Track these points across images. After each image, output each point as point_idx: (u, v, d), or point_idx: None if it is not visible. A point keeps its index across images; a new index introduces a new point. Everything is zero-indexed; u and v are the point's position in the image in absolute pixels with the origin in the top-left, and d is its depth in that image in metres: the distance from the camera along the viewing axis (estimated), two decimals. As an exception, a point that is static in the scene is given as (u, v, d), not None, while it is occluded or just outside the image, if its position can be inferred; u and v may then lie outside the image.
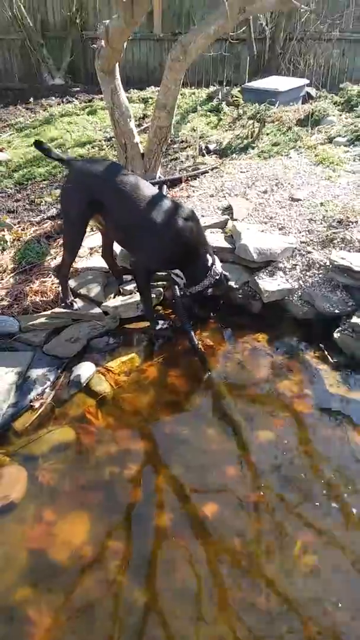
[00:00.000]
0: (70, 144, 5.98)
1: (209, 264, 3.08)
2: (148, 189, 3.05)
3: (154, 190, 3.10)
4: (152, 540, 2.13)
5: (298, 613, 1.87)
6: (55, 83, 8.70)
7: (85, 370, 2.89)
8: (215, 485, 2.35)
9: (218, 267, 3.14)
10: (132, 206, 2.95)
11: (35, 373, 2.85)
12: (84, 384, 2.84)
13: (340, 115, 5.39)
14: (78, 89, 8.52)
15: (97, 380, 2.89)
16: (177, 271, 3.25)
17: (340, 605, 1.87)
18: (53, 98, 7.93)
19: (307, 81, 6.58)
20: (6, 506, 2.18)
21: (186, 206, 3.13)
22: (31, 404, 2.69)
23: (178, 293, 3.37)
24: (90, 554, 2.06)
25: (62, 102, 7.88)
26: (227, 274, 3.26)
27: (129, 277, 3.56)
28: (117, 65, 4.19)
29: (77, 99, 8.00)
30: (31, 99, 7.95)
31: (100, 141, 5.88)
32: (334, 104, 5.65)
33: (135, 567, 2.03)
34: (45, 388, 2.79)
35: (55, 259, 3.77)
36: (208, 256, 3.09)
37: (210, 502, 2.27)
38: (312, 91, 6.52)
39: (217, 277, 3.10)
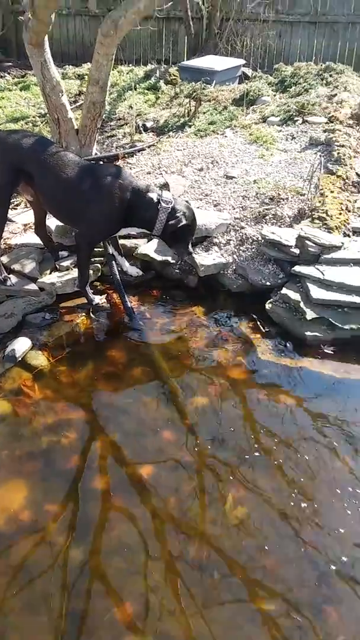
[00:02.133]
0: (2, 120, 5.84)
1: (155, 200, 3.02)
2: (73, 158, 3.10)
3: (79, 159, 3.16)
4: (90, 503, 2.22)
5: (228, 561, 2.02)
6: (-13, 56, 8.42)
7: (20, 344, 2.91)
8: (152, 449, 2.46)
9: (167, 195, 3.08)
10: (62, 176, 2.99)
11: (-31, 348, 2.85)
12: (20, 359, 2.86)
13: (275, 95, 5.58)
14: (10, 64, 8.28)
15: (34, 355, 2.93)
16: (132, 231, 3.28)
17: (267, 549, 2.04)
18: (-16, 72, 7.67)
19: (244, 61, 6.72)
20: None
21: (112, 165, 3.17)
22: (-36, 378, 2.70)
23: (115, 269, 3.43)
24: (28, 519, 2.13)
25: (-5, 76, 7.65)
26: (185, 202, 3.21)
27: (65, 253, 3.58)
28: (45, 38, 4.14)
29: (9, 74, 7.78)
30: None
31: (34, 117, 5.78)
32: (269, 84, 5.83)
33: (74, 527, 2.11)
34: (-20, 363, 2.80)
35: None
36: (149, 194, 3.04)
37: (147, 465, 2.38)
38: (248, 71, 6.67)
39: (171, 205, 3.02)
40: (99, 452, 2.47)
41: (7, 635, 1.80)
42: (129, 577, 1.96)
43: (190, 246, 3.20)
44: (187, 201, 3.24)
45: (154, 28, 7.67)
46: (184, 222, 3.02)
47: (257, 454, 2.42)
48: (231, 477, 2.32)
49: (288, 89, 5.51)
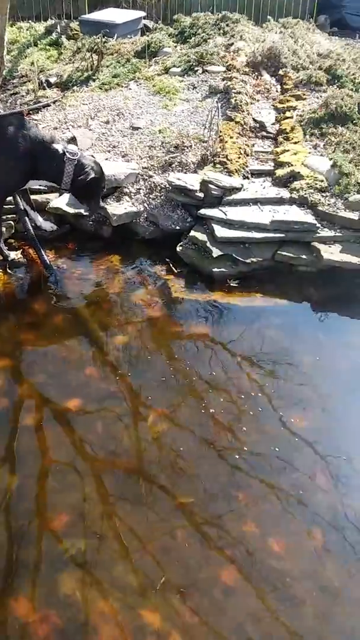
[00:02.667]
0: None
1: (60, 152, 3.05)
2: None
3: None
4: (23, 436, 2.37)
5: (150, 468, 2.25)
6: None
7: None
8: (77, 384, 2.63)
9: (72, 148, 3.12)
10: None
11: None
12: None
13: (176, 46, 5.60)
14: None
15: None
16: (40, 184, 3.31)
17: (182, 450, 2.29)
18: None
19: (144, 13, 6.63)
20: None
21: (12, 115, 3.18)
22: None
23: (29, 224, 3.47)
24: None
25: None
26: (91, 155, 3.27)
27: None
28: None
29: None
30: None
31: None
32: (169, 35, 5.83)
33: (10, 458, 2.27)
34: None
35: None
36: (55, 145, 3.06)
37: (73, 398, 2.55)
38: (150, 24, 6.60)
39: (77, 157, 3.06)
40: (26, 393, 2.61)
41: None
42: (63, 494, 2.16)
43: (100, 200, 3.29)
44: (92, 156, 3.30)
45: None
46: (92, 175, 3.09)
47: (171, 377, 2.65)
48: (150, 400, 2.54)
49: (188, 40, 5.55)
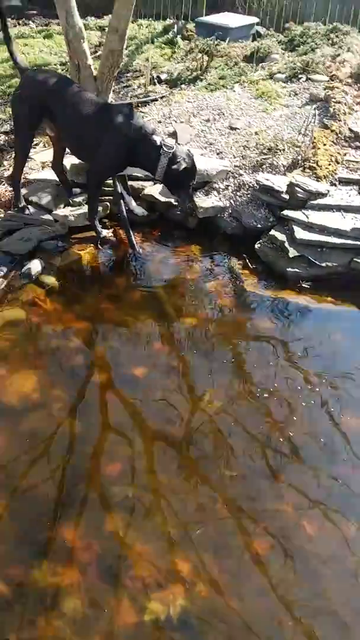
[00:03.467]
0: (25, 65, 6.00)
1: (157, 144, 3.21)
2: (91, 97, 3.40)
3: (97, 98, 3.42)
4: (90, 390, 2.61)
5: (200, 438, 2.40)
6: (12, 4, 8.44)
7: (35, 265, 3.25)
8: (144, 355, 2.83)
9: (169, 141, 3.30)
10: (81, 112, 3.25)
11: (-9, 264, 3.19)
12: (34, 277, 3.20)
13: (284, 53, 5.67)
14: (35, 12, 8.31)
15: (46, 276, 3.26)
16: (135, 171, 3.53)
17: (233, 428, 2.41)
18: (9, 20, 7.73)
19: (257, 20, 6.74)
20: None
21: (123, 104, 3.41)
22: (-14, 289, 3.05)
23: (123, 207, 3.71)
24: (37, 399, 2.51)
25: (19, 24, 7.73)
26: (187, 150, 3.38)
27: (78, 190, 3.86)
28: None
29: (33, 22, 7.86)
30: (-16, 19, 7.73)
31: (55, 64, 5.94)
32: (279, 42, 5.91)
33: (75, 408, 2.51)
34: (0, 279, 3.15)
35: (8, 170, 4.01)
36: (154, 137, 3.24)
37: (140, 367, 2.74)
38: (262, 30, 6.70)
39: (172, 151, 3.20)
40: (98, 354, 2.84)
41: (17, 483, 2.20)
42: (119, 446, 2.35)
43: (191, 192, 3.44)
44: (188, 150, 3.45)
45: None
46: (183, 165, 3.24)
47: (233, 362, 2.78)
48: (209, 379, 2.68)
49: (296, 48, 5.59)
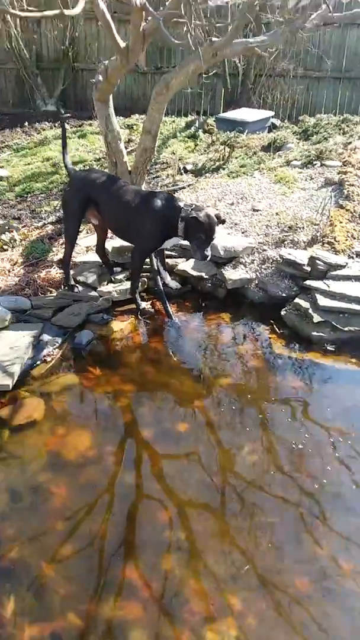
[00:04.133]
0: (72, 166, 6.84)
1: (180, 205, 3.71)
2: (132, 187, 3.98)
3: (137, 187, 4.00)
4: (138, 446, 2.92)
5: (245, 486, 2.67)
6: (48, 109, 9.62)
7: (84, 336, 3.69)
8: (186, 413, 3.16)
9: (188, 203, 3.82)
10: (123, 200, 3.82)
11: (46, 337, 3.64)
12: (84, 346, 3.63)
13: (298, 142, 6.40)
14: (69, 115, 9.43)
15: (95, 343, 3.69)
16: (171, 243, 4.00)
17: (272, 477, 2.68)
18: (46, 123, 8.84)
19: (272, 113, 7.62)
20: (30, 423, 2.96)
21: (161, 191, 3.95)
22: (44, 358, 3.48)
23: (159, 281, 4.20)
24: (92, 455, 2.83)
25: (55, 126, 8.79)
26: (212, 213, 3.71)
27: (119, 269, 4.39)
28: (110, 96, 5.10)
29: (68, 123, 8.92)
30: (26, 123, 8.84)
31: (91, 161, 6.76)
32: (294, 133, 6.67)
33: (126, 461, 2.82)
34: (55, 348, 3.58)
35: (57, 255, 4.59)
36: (178, 203, 3.75)
37: (182, 423, 3.07)
38: (277, 122, 7.55)
39: (190, 209, 3.65)
40: (145, 412, 3.18)
41: (81, 529, 2.48)
42: (168, 494, 2.64)
43: (209, 248, 3.74)
44: (207, 212, 3.71)
45: (199, 90, 8.72)
46: (193, 214, 3.60)
47: (268, 417, 3.09)
48: (247, 432, 2.98)
49: (310, 138, 6.32)
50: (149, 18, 4.15)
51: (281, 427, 3.04)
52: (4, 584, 2.20)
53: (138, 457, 2.87)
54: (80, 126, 8.68)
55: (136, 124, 8.09)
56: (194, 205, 3.77)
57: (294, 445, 2.88)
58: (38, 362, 3.44)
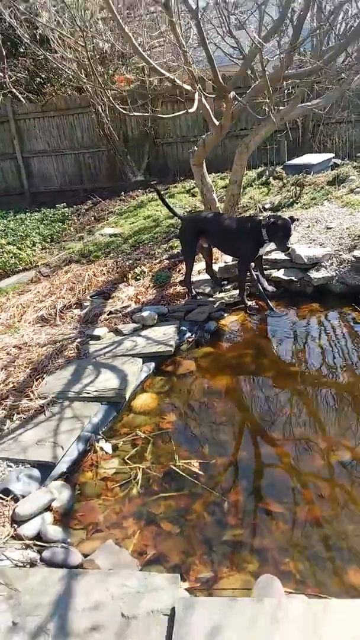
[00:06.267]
0: (162, 218, 8.87)
1: (262, 220, 5.35)
2: (231, 218, 5.74)
3: (234, 217, 5.76)
4: (261, 382, 4.46)
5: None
6: (137, 179, 11.97)
7: (211, 325, 5.35)
8: (295, 359, 4.66)
9: (277, 220, 5.33)
10: (226, 227, 5.57)
11: (184, 327, 5.33)
12: (212, 331, 5.29)
13: (359, 174, 8.03)
14: (155, 182, 11.71)
15: (218, 330, 5.34)
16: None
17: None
18: (139, 190, 11.12)
19: (333, 155, 9.36)
20: (189, 372, 4.60)
21: (250, 218, 5.66)
22: (187, 339, 5.15)
23: (259, 286, 5.83)
24: (231, 387, 4.39)
25: (145, 192, 11.03)
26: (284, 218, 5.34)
27: (225, 282, 6.08)
28: (204, 160, 7.05)
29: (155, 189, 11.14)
30: (122, 193, 11.16)
31: (184, 213, 8.72)
32: (353, 167, 8.33)
33: (254, 391, 4.34)
34: (192, 334, 5.25)
35: (177, 278, 6.38)
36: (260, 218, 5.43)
37: (294, 368, 4.57)
38: (338, 161, 9.26)
39: (268, 219, 5.26)
40: (264, 363, 4.72)
41: (227, 419, 4.00)
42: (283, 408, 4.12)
43: (289, 242, 5.35)
44: (284, 218, 5.37)
45: (265, 146, 10.75)
46: (272, 220, 5.27)
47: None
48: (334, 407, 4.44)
49: (368, 169, 7.99)
50: (236, 102, 6.12)
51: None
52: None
53: (260, 388, 4.39)
54: (167, 189, 10.85)
55: (215, 180, 10.10)
56: (271, 215, 5.46)
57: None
58: (183, 342, 5.12)
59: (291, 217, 5.34)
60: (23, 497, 3.09)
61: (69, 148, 12.81)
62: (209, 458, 3.44)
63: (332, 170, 8.86)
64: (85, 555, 2.69)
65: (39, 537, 2.84)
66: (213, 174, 10.81)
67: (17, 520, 2.93)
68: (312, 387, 4.31)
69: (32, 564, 2.63)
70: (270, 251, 6.15)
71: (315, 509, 2.93)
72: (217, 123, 6.31)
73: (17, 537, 2.82)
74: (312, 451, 3.45)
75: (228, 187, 7.09)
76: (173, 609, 2.20)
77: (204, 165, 7.05)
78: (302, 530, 2.79)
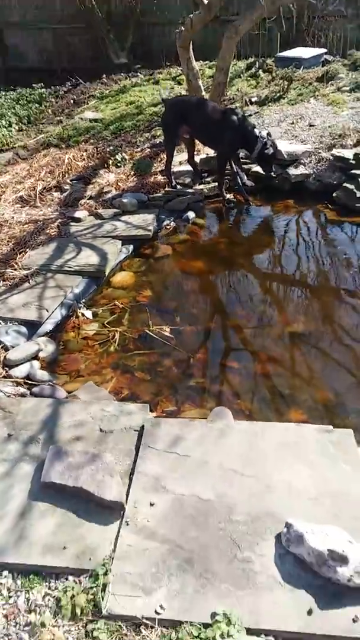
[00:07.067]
0: (146, 104, 8.84)
1: (257, 134, 5.61)
2: (214, 104, 5.91)
3: (218, 105, 5.94)
4: (232, 265, 4.92)
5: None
6: (120, 62, 11.62)
7: (190, 214, 5.71)
8: (264, 243, 5.11)
9: (263, 134, 5.70)
10: (210, 116, 5.76)
11: (163, 215, 5.67)
12: (191, 220, 5.65)
13: (348, 73, 8.08)
14: (139, 66, 11.41)
15: (197, 219, 5.70)
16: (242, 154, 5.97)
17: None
18: (121, 74, 10.86)
19: (325, 50, 9.28)
20: (165, 256, 5.03)
21: (237, 109, 5.87)
22: (165, 227, 5.52)
23: (239, 180, 6.12)
24: (204, 270, 4.84)
25: (128, 76, 10.80)
26: (273, 139, 5.75)
27: (206, 175, 6.35)
28: (190, 42, 7.01)
29: (140, 73, 10.89)
30: (103, 75, 10.89)
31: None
32: (344, 65, 8.34)
33: (226, 274, 4.80)
34: (171, 222, 5.61)
35: (158, 168, 6.60)
36: (255, 131, 5.66)
37: (264, 251, 5.03)
38: (329, 57, 9.20)
39: (265, 139, 5.58)
40: (236, 250, 5.16)
41: (198, 294, 4.49)
42: (249, 284, 4.62)
43: (272, 166, 5.78)
44: (273, 140, 5.77)
45: (256, 32, 10.47)
46: (271, 151, 5.62)
47: (326, 240, 5.01)
48: (301, 268, 4.91)
49: (358, 68, 8.00)
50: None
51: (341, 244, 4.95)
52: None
53: (232, 272, 4.86)
54: (151, 75, 10.63)
55: (202, 69, 9.95)
56: (265, 137, 5.64)
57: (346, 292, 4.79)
58: (161, 229, 5.49)
59: (268, 133, 5.68)
60: (12, 347, 3.58)
61: (46, 22, 12.21)
62: (180, 325, 3.95)
63: (322, 66, 8.84)
64: (69, 392, 3.23)
65: (28, 378, 3.36)
66: (201, 61, 10.55)
67: (8, 365, 3.43)
68: (279, 273, 4.79)
69: (23, 396, 3.16)
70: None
71: (267, 366, 3.50)
72: (206, 2, 6.26)
73: (8, 377, 3.33)
74: (271, 324, 3.99)
75: (214, 74, 7.12)
76: (142, 427, 2.77)
77: (191, 48, 7.02)
78: (255, 381, 3.38)
